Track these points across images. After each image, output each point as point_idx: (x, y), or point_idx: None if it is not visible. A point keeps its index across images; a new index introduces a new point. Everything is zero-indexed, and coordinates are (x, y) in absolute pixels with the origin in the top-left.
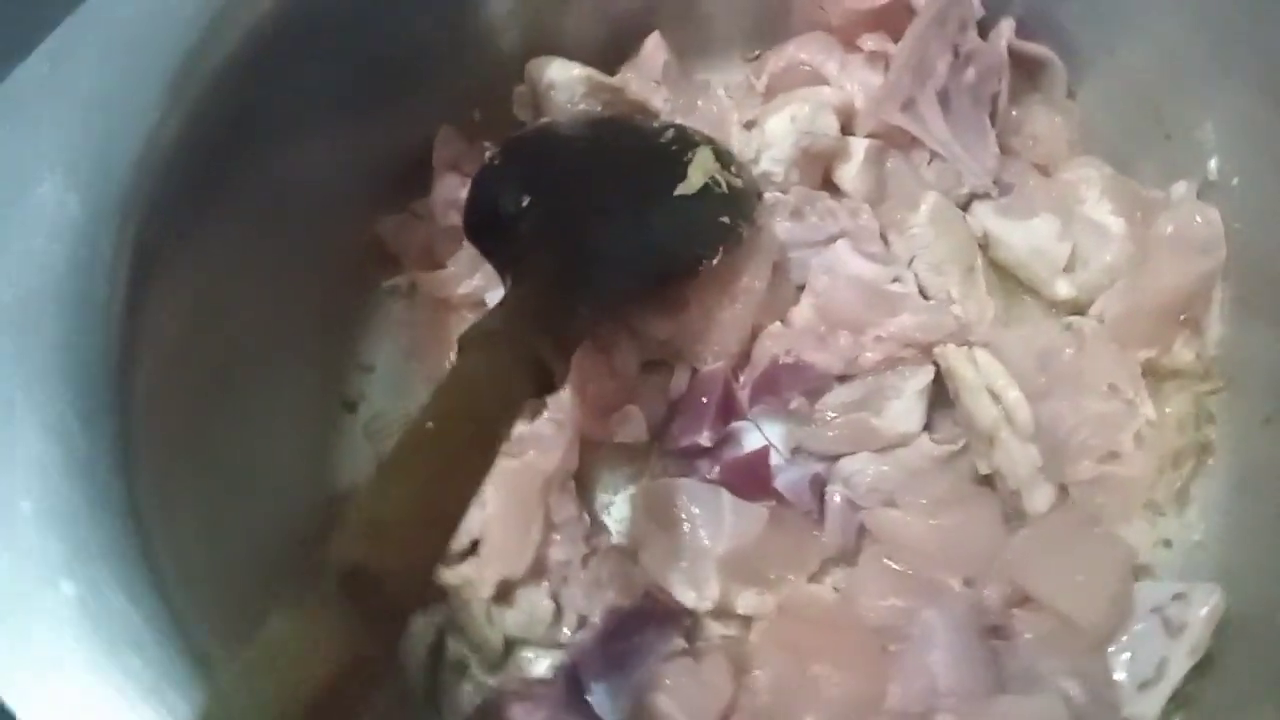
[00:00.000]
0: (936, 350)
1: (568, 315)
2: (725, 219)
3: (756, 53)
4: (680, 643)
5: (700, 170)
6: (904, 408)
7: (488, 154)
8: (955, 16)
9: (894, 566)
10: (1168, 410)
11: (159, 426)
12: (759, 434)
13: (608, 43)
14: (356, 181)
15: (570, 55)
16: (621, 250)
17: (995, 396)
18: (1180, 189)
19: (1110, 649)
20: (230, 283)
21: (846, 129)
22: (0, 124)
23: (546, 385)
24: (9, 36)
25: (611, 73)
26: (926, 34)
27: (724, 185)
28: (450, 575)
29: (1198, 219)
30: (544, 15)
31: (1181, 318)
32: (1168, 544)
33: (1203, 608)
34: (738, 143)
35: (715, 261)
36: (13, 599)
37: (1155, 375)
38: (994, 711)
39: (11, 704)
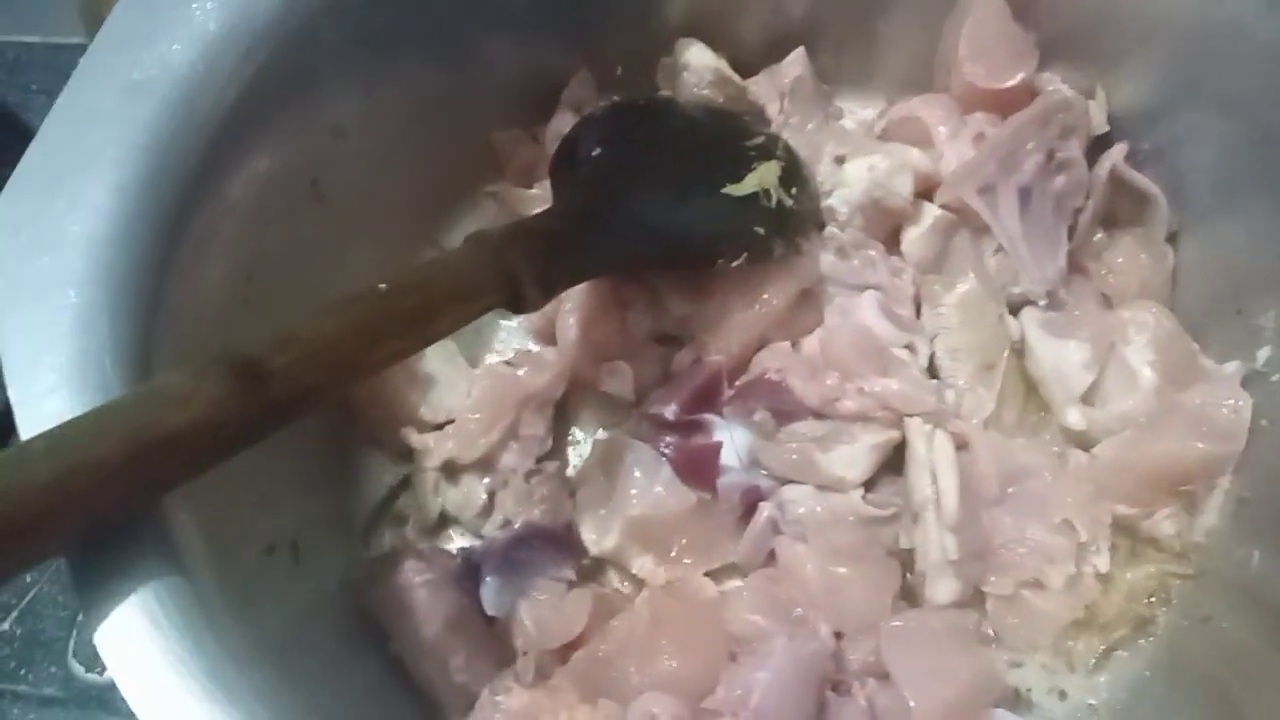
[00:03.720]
0: (906, 421)
1: (564, 254)
2: (760, 230)
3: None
4: (569, 573)
5: (756, 179)
6: (851, 456)
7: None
8: (1060, 122)
9: (776, 592)
10: (1128, 574)
11: (220, 222)
12: (728, 433)
13: (765, 45)
14: (492, 91)
15: (725, 46)
16: (645, 219)
17: (934, 479)
18: (1230, 368)
19: None
20: (338, 135)
21: (928, 194)
22: None
23: (518, 305)
24: None
25: (756, 71)
26: (1025, 129)
27: (774, 201)
28: (416, 439)
29: (1228, 402)
30: (713, 2)
31: (1180, 489)
32: (1063, 695)
33: None
34: (823, 172)
35: (735, 264)
36: (37, 294)
37: (1133, 536)
38: None
39: (5, 362)
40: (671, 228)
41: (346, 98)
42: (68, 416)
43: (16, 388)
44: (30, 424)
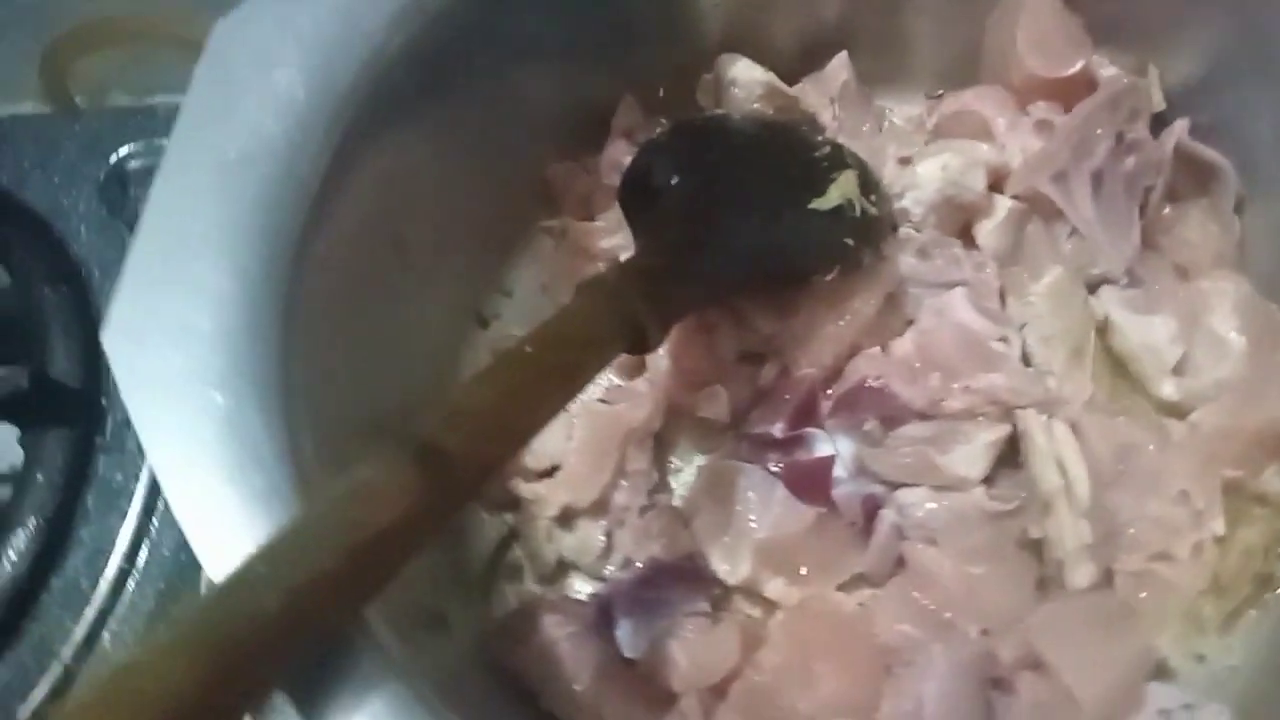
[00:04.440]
0: (1017, 413)
1: (675, 289)
2: (849, 241)
3: (940, 92)
4: (704, 606)
5: (840, 191)
6: (970, 454)
7: (659, 129)
8: (1128, 105)
9: (918, 599)
10: (1239, 534)
11: (321, 293)
12: (830, 445)
13: (801, 52)
14: (541, 125)
15: (763, 57)
16: (743, 243)
17: (1061, 468)
18: None
19: None
20: (411, 186)
21: (996, 186)
22: (261, 17)
23: (640, 346)
24: None
25: (795, 80)
26: (1095, 115)
27: (858, 210)
28: (525, 489)
29: None
30: (747, 14)
31: None
32: (1201, 659)
33: None
34: (889, 174)
35: (829, 278)
36: (179, 398)
37: (1240, 496)
38: None
39: (160, 475)
40: (768, 249)
41: (419, 147)
42: (242, 525)
43: (181, 504)
44: (204, 540)
